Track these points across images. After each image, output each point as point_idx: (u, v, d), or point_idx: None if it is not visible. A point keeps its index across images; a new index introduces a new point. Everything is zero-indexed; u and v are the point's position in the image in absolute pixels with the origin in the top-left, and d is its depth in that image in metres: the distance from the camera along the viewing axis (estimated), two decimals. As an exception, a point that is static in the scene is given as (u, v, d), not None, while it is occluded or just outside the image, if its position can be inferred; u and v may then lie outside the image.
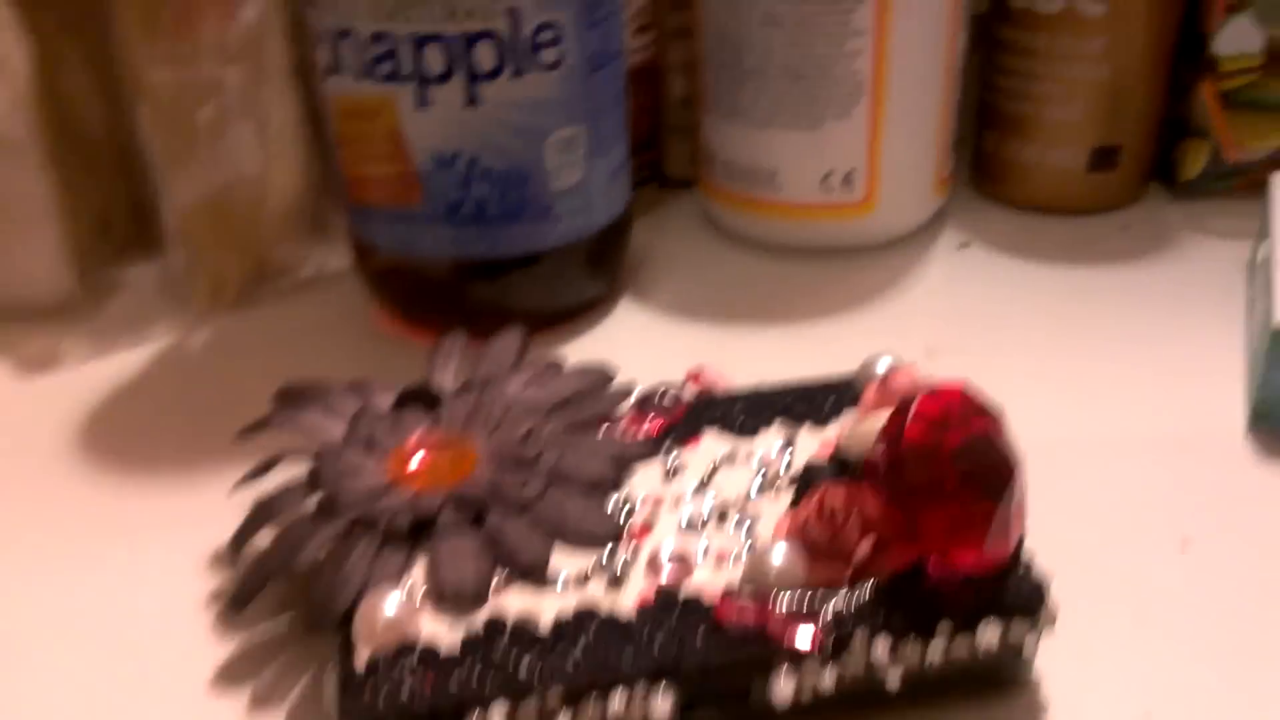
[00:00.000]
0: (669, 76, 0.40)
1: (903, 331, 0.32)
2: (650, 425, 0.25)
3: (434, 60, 0.29)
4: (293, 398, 0.25)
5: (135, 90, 0.34)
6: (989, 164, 0.38)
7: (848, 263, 0.36)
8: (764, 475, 0.23)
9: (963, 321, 0.33)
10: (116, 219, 0.39)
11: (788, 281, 0.35)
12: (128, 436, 0.29)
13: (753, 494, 0.22)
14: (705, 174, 0.38)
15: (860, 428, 0.22)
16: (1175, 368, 0.30)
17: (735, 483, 0.23)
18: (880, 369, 0.26)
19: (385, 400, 0.25)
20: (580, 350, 0.32)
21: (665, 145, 0.41)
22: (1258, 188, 0.37)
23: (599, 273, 0.34)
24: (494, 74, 0.29)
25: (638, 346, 0.32)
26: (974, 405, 0.21)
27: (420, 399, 0.25)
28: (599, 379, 0.26)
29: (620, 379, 0.26)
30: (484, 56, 0.29)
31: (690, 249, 0.38)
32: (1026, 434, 0.23)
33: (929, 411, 0.21)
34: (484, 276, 0.32)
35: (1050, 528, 0.23)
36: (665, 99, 0.40)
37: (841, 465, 0.23)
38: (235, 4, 0.33)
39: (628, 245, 0.35)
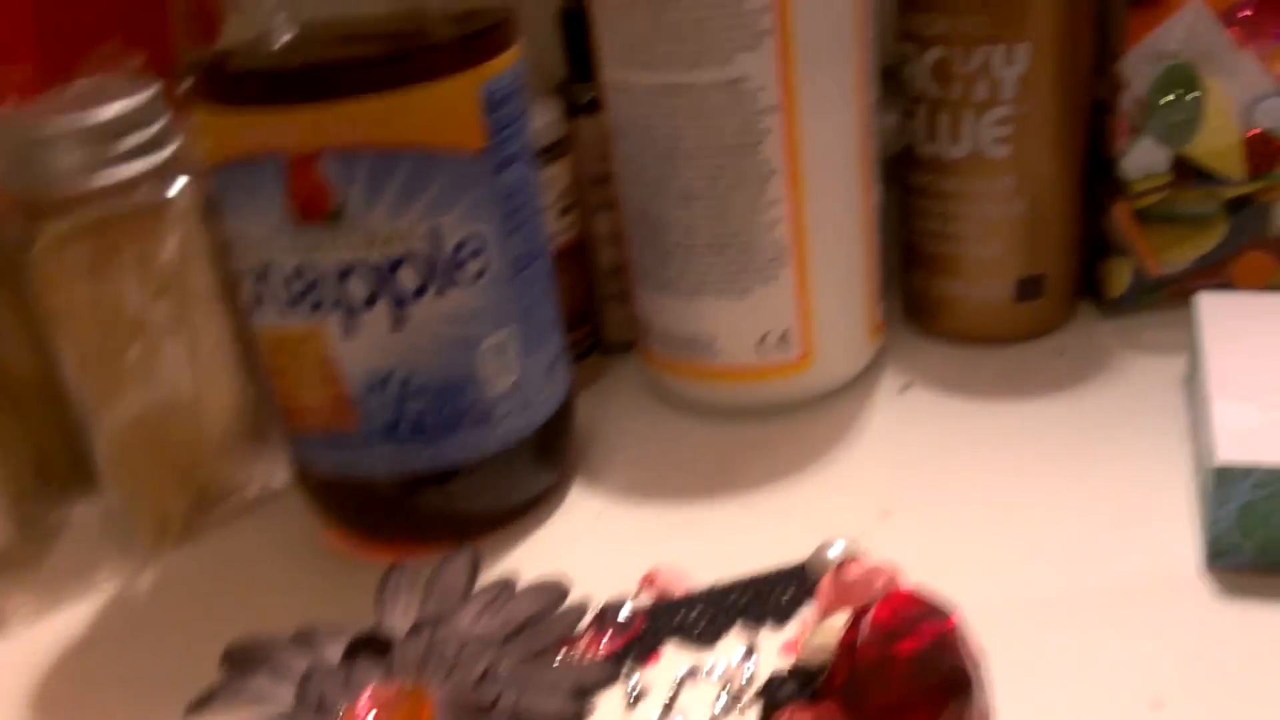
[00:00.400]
0: (598, 246, 0.40)
1: (854, 489, 0.32)
2: (609, 643, 0.24)
3: (358, 288, 0.29)
4: (240, 661, 0.25)
5: (58, 334, 0.33)
6: (919, 301, 0.39)
7: (793, 418, 0.36)
8: (728, 691, 0.22)
9: (912, 473, 0.33)
10: (54, 458, 0.38)
11: (736, 445, 0.35)
12: (76, 707, 0.28)
13: (718, 713, 0.22)
14: (643, 343, 0.38)
15: (817, 638, 0.22)
16: (1127, 505, 0.30)
17: (700, 702, 0.22)
18: (833, 554, 0.26)
19: (335, 651, 0.25)
20: (534, 548, 0.32)
21: (601, 313, 0.41)
22: (1186, 295, 0.38)
23: (546, 465, 0.34)
24: (419, 293, 0.29)
25: (592, 538, 0.32)
26: (926, 608, 0.21)
27: (371, 646, 0.25)
28: (553, 597, 0.26)
29: (577, 581, 0.26)
30: (407, 279, 0.29)
31: (635, 419, 0.38)
32: (983, 597, 0.23)
33: (883, 620, 0.20)
34: (429, 487, 0.31)
35: (1018, 696, 0.23)
36: (596, 268, 0.41)
37: (804, 677, 0.22)
38: (154, 240, 0.33)
39: (573, 431, 0.35)
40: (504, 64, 0.29)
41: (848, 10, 0.32)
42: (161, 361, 0.35)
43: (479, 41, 0.29)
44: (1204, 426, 0.28)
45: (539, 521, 0.33)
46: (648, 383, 0.40)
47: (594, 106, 0.38)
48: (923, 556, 0.28)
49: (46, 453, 0.39)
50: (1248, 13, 0.33)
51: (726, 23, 0.31)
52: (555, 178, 0.37)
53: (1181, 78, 0.34)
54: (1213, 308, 0.32)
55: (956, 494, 0.31)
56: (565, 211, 0.38)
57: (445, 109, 0.28)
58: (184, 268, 0.35)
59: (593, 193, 0.40)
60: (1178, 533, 0.29)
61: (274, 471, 0.37)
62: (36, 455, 0.38)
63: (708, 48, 0.31)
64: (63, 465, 0.39)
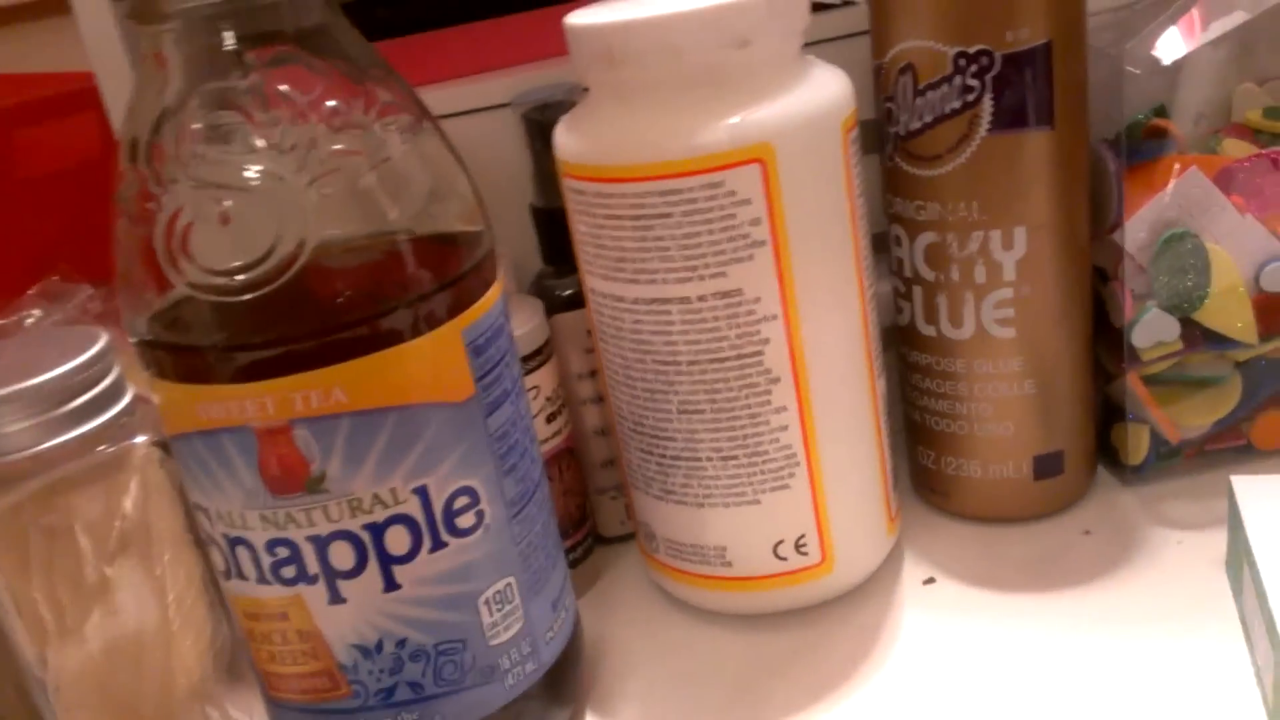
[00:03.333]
0: (588, 442, 0.38)
1: (896, 712, 0.30)
2: None
3: (342, 557, 0.26)
4: None
5: (9, 608, 0.31)
6: (930, 479, 0.37)
7: (814, 623, 0.34)
8: None
9: (954, 691, 0.30)
10: (8, 714, 0.35)
11: (756, 658, 0.33)
12: None
13: None
14: (646, 547, 0.35)
15: None
16: (1194, 713, 0.28)
17: None
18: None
19: None
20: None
21: (596, 508, 0.39)
22: (1204, 458, 0.36)
23: (556, 707, 0.31)
24: (410, 555, 0.27)
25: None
26: None
27: None
28: None
29: None
30: (397, 542, 0.26)
31: (644, 630, 0.35)
32: None
33: None
34: (433, 751, 0.29)
35: None
36: (588, 464, 0.38)
37: None
38: (112, 496, 0.31)
39: (582, 662, 0.32)
40: (488, 303, 0.28)
41: (840, 209, 0.30)
42: (125, 612, 0.32)
43: (460, 285, 0.27)
44: (1269, 642, 0.27)
45: (553, 770, 0.31)
46: (650, 580, 0.37)
47: (575, 301, 0.37)
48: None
49: (4, 708, 0.35)
50: (1245, 175, 0.33)
51: (717, 237, 0.29)
52: (541, 384, 0.35)
53: (1184, 244, 0.33)
54: (1249, 494, 0.30)
55: (1008, 711, 0.29)
56: (553, 417, 0.36)
57: (429, 364, 0.26)
58: (146, 516, 0.32)
59: (579, 387, 0.38)
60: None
61: (254, 713, 0.34)
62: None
63: (699, 261, 0.29)
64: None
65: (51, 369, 0.29)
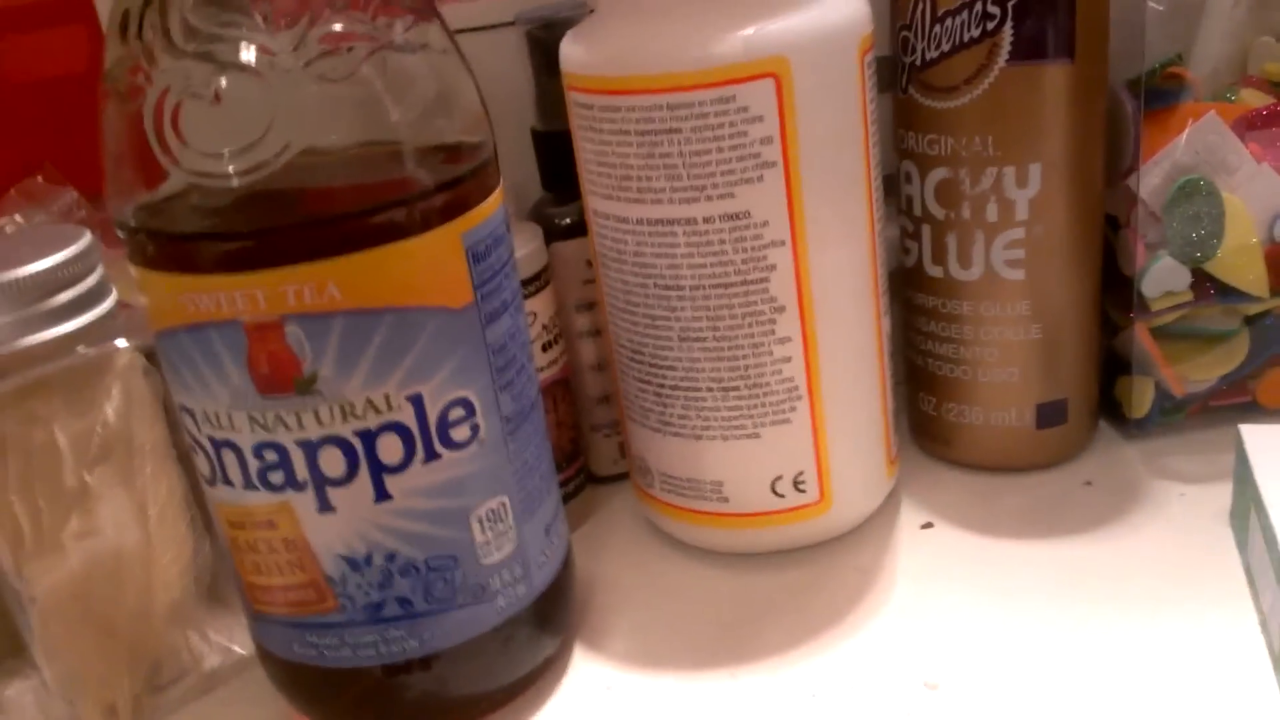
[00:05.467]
0: (583, 376, 0.37)
1: (891, 656, 0.29)
2: None
3: (333, 463, 0.26)
4: None
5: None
6: (931, 425, 0.36)
7: (810, 562, 0.33)
8: None
9: (952, 633, 0.30)
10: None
11: (751, 596, 0.32)
12: None
13: None
14: (640, 483, 0.35)
15: None
16: (1198, 664, 0.27)
17: None
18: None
19: None
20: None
21: (589, 446, 0.38)
22: (1206, 413, 0.36)
23: (547, 634, 0.30)
24: (402, 465, 0.26)
25: (603, 718, 0.29)
26: None
27: None
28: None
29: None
30: (389, 450, 0.26)
31: (636, 567, 0.35)
32: None
33: None
34: (417, 671, 0.28)
35: None
36: (582, 399, 0.38)
37: None
38: (93, 401, 0.30)
39: (573, 592, 0.32)
40: (489, 209, 0.27)
41: (854, 135, 0.30)
42: (105, 526, 0.31)
43: (461, 188, 0.26)
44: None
45: (541, 699, 0.30)
46: (644, 519, 0.37)
47: (575, 230, 0.36)
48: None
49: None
50: (1263, 123, 0.32)
51: (727, 155, 0.28)
52: (538, 311, 0.34)
53: (1198, 192, 0.33)
54: (1258, 442, 0.30)
55: (1005, 658, 0.28)
56: (549, 345, 0.35)
57: (426, 265, 0.25)
58: (128, 426, 0.31)
59: (576, 319, 0.37)
60: (1261, 691, 0.26)
61: (234, 635, 0.34)
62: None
63: (707, 181, 0.28)
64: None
65: (32, 263, 0.29)
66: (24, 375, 0.29)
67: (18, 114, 0.38)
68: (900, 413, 0.38)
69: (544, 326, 0.35)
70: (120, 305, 0.32)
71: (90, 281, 0.29)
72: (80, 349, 0.29)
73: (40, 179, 0.33)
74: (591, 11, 0.31)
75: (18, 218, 0.33)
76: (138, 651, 0.32)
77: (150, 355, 0.31)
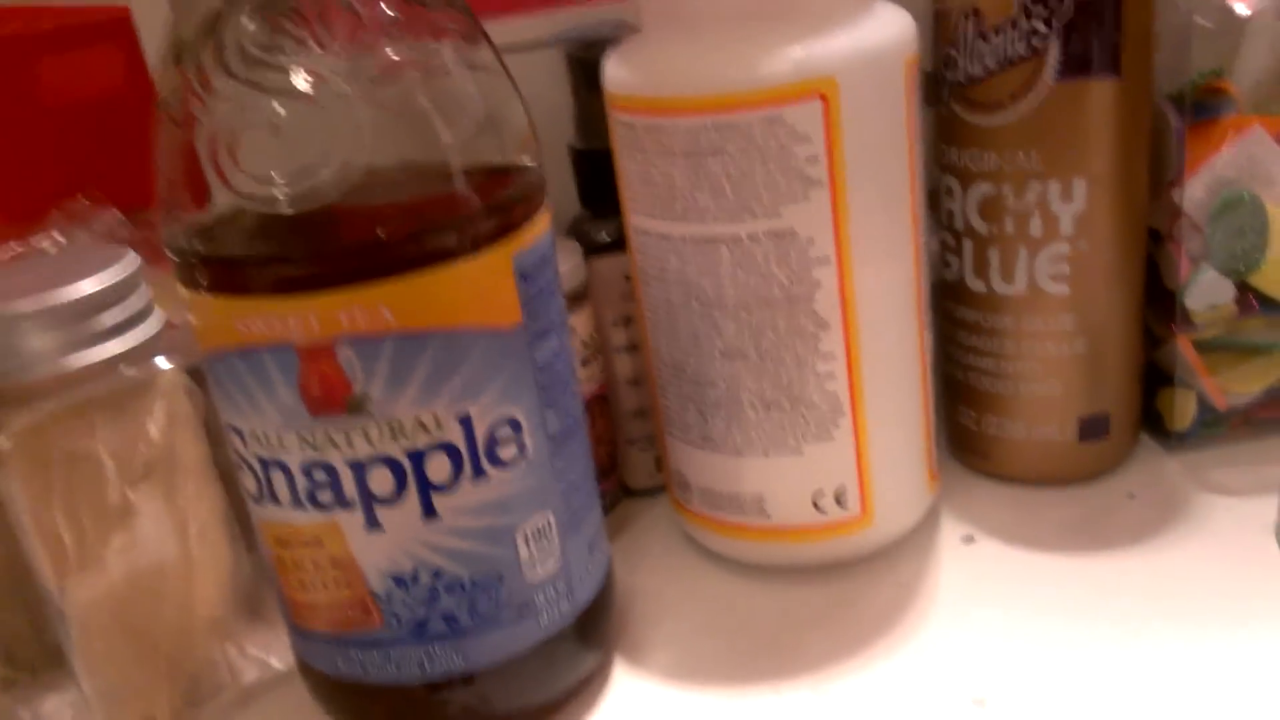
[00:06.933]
0: (620, 390, 0.37)
1: (937, 671, 0.29)
2: None
3: (382, 483, 0.26)
4: None
5: (30, 530, 0.30)
6: (970, 439, 0.36)
7: (851, 578, 0.33)
8: None
9: (998, 648, 0.29)
10: (19, 645, 0.34)
11: (792, 611, 0.32)
12: None
13: None
14: (679, 497, 0.35)
15: None
16: (1250, 683, 0.27)
17: None
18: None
19: None
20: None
21: (624, 459, 0.38)
22: (1249, 425, 0.36)
23: (589, 651, 0.30)
24: (450, 484, 0.26)
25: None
26: None
27: None
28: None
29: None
30: (438, 469, 0.26)
31: (675, 580, 0.35)
32: None
33: None
34: (460, 688, 0.28)
35: None
36: (619, 413, 0.38)
37: None
38: (136, 421, 0.30)
39: (614, 607, 0.32)
40: (538, 230, 0.27)
41: (900, 152, 0.30)
42: (146, 542, 0.31)
43: (511, 210, 0.26)
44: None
45: (583, 713, 0.30)
46: (681, 532, 0.37)
47: (613, 246, 0.36)
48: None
49: (11, 640, 0.35)
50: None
51: (773, 174, 0.28)
52: (577, 327, 0.34)
53: (1242, 205, 0.32)
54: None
55: (1052, 674, 0.28)
56: (587, 361, 0.35)
57: (477, 286, 0.25)
58: (170, 444, 0.31)
59: (612, 335, 0.37)
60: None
61: (273, 649, 0.34)
62: (2, 643, 0.34)
63: (753, 200, 0.28)
64: (31, 652, 0.35)
65: (79, 284, 0.29)
66: (69, 396, 0.29)
67: (56, 135, 0.38)
68: (939, 426, 0.38)
69: (582, 343, 0.35)
70: (166, 326, 0.32)
71: (136, 302, 0.30)
72: (123, 368, 0.30)
73: (83, 199, 0.33)
74: (635, 31, 0.31)
75: (58, 236, 0.33)
76: (176, 666, 0.32)
77: (193, 374, 0.31)
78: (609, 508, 0.37)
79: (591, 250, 0.36)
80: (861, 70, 0.28)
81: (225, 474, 0.33)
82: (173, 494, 0.32)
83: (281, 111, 0.23)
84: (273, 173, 0.23)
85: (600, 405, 0.36)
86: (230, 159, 0.23)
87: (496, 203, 0.25)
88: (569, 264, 0.34)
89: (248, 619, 0.35)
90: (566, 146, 0.37)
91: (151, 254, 0.34)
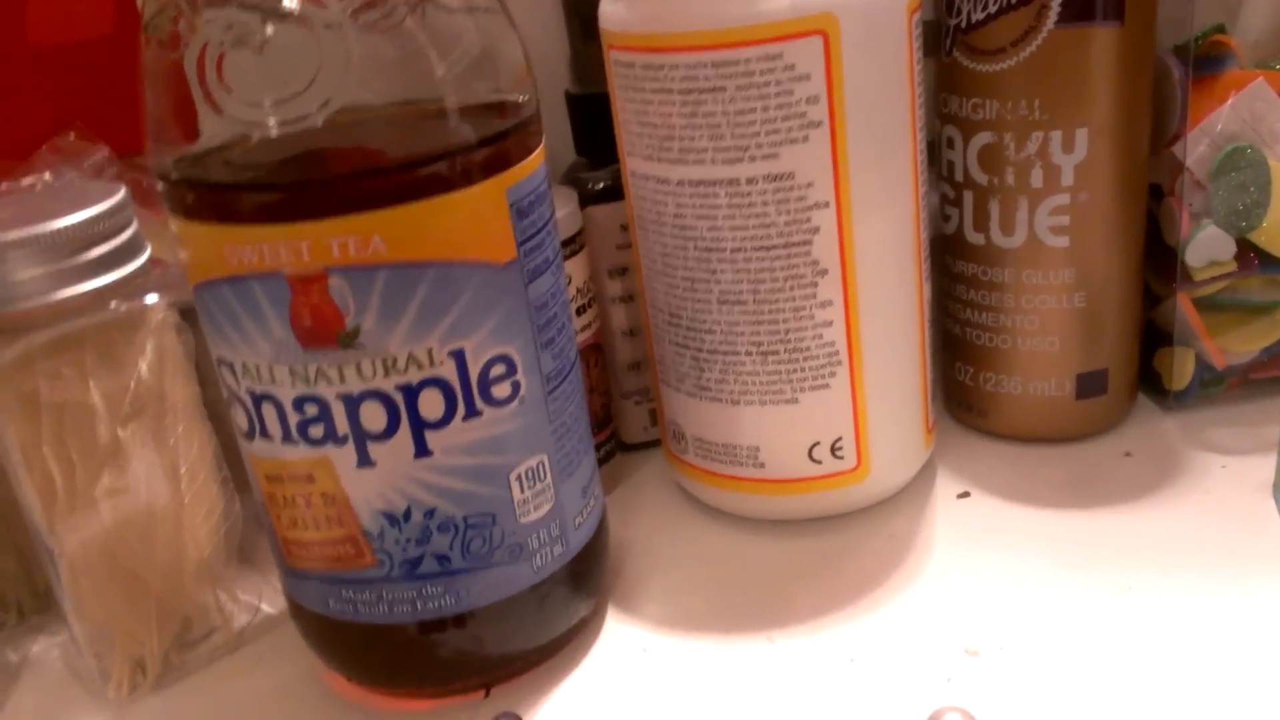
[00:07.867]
0: (615, 342, 0.37)
1: (930, 622, 0.29)
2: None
3: (374, 418, 0.25)
4: None
5: (18, 464, 0.29)
6: (967, 396, 0.36)
7: (845, 530, 0.33)
8: None
9: (992, 600, 0.29)
10: (8, 586, 0.34)
11: (787, 563, 0.32)
12: None
13: None
14: (674, 448, 0.34)
15: None
16: (1247, 642, 0.27)
17: None
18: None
19: None
20: (572, 694, 0.28)
21: (619, 413, 0.38)
22: (1248, 386, 0.35)
23: (582, 595, 0.30)
24: (443, 421, 0.26)
25: (637, 679, 0.29)
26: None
27: None
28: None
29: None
30: (430, 405, 0.25)
31: (669, 532, 0.34)
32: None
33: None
34: (452, 629, 0.28)
35: None
36: (613, 365, 0.37)
37: None
38: (126, 357, 0.29)
39: (607, 555, 0.32)
40: (532, 165, 0.26)
41: (901, 96, 0.29)
42: (136, 482, 0.31)
43: (505, 142, 0.25)
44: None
45: (575, 659, 0.30)
46: (675, 486, 0.36)
47: (608, 194, 0.35)
48: (1028, 705, 0.25)
49: (3, 579, 0.34)
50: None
51: (772, 114, 0.28)
52: (572, 274, 0.34)
53: (1245, 160, 0.32)
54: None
55: (1046, 627, 0.28)
56: (583, 310, 0.35)
57: (470, 219, 0.25)
58: (160, 383, 0.31)
59: (608, 285, 0.37)
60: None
61: (264, 593, 0.34)
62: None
63: (751, 141, 0.28)
64: (22, 595, 0.35)
65: (67, 217, 0.28)
66: (57, 329, 0.29)
67: (45, 75, 0.38)
68: (935, 382, 0.38)
69: (578, 290, 0.35)
70: (154, 261, 0.31)
71: (124, 236, 0.29)
72: (113, 304, 0.29)
73: (72, 136, 0.32)
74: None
75: (48, 175, 0.33)
76: (167, 608, 0.32)
77: (183, 313, 0.31)
78: (603, 460, 0.37)
79: (587, 199, 0.35)
80: (863, 7, 0.28)
81: (215, 416, 0.32)
82: (163, 434, 0.31)
83: (269, 30, 0.23)
84: (261, 95, 0.23)
85: (595, 355, 0.36)
86: (218, 79, 0.23)
87: (490, 135, 0.25)
88: (564, 210, 0.34)
89: (238, 564, 0.34)
90: (563, 93, 0.36)
91: (142, 197, 0.34)
